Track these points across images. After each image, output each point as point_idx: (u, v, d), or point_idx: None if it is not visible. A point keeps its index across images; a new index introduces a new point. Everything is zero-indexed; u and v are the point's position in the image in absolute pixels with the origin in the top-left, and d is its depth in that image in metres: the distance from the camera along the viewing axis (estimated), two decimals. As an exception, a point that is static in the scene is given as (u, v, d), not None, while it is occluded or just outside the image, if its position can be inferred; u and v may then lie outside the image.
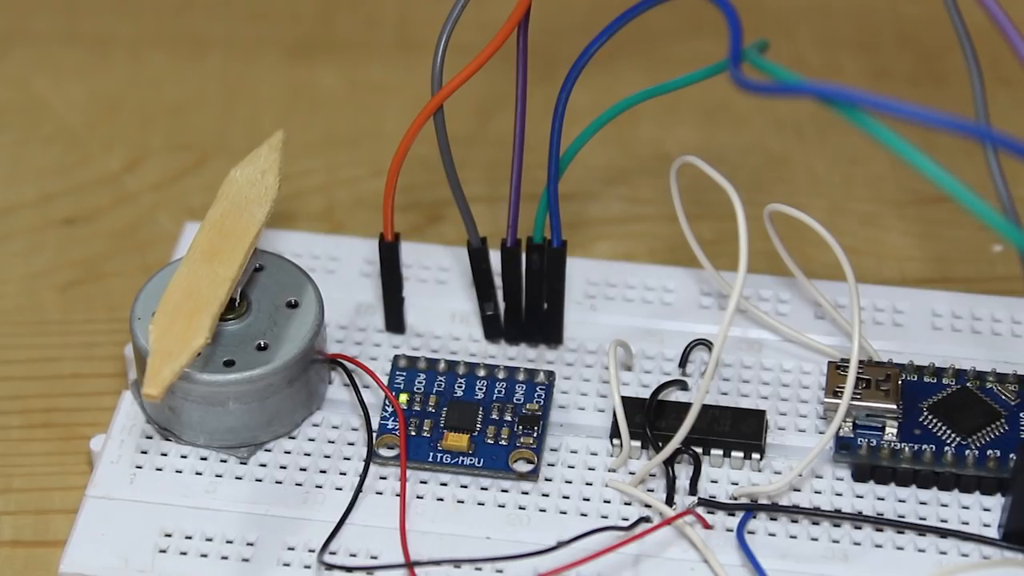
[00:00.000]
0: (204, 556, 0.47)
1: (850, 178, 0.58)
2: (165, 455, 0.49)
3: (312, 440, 0.50)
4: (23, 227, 0.57)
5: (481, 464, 0.49)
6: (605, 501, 0.48)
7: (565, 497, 0.48)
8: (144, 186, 0.56)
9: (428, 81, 0.47)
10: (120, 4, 0.63)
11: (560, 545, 0.46)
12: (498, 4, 0.47)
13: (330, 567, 0.46)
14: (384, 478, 0.49)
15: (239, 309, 0.49)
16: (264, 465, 0.49)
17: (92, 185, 0.58)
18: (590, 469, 0.49)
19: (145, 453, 0.49)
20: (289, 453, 0.49)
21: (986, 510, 0.48)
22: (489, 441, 0.49)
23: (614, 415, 0.49)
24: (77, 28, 0.62)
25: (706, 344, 0.51)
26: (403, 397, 0.50)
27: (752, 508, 0.48)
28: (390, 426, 0.49)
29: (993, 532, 0.47)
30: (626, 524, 0.47)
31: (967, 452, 0.48)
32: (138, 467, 0.49)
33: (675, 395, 0.50)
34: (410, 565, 0.46)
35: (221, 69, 0.60)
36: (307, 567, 0.47)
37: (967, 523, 0.48)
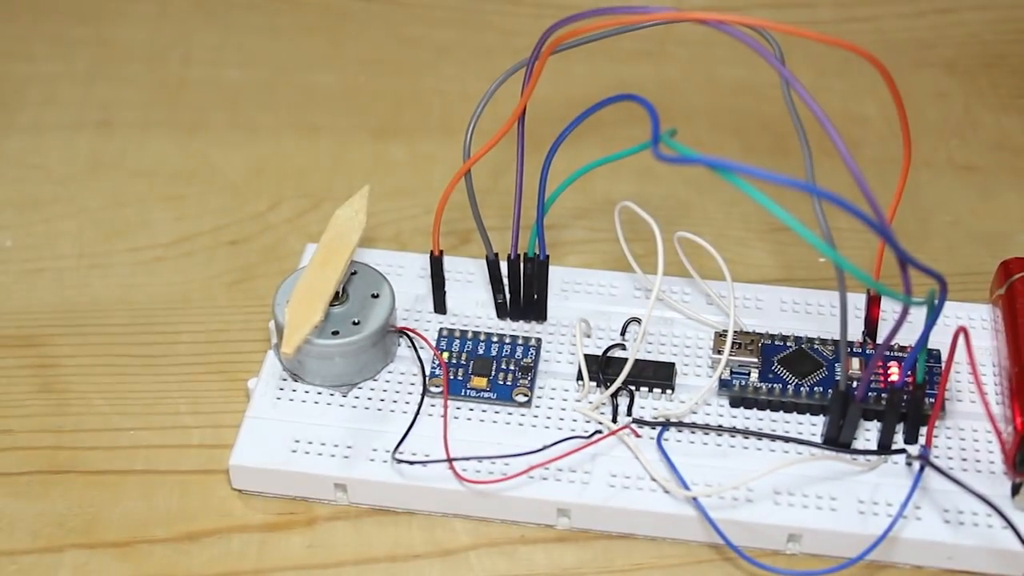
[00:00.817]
0: (320, 455, 0.48)
1: (730, 215, 0.58)
2: (295, 391, 0.49)
3: (388, 382, 0.50)
4: (204, 246, 0.57)
5: (495, 397, 0.49)
6: (573, 420, 0.49)
7: (548, 418, 0.49)
8: (281, 220, 0.56)
9: (461, 152, 0.48)
10: (266, 102, 0.63)
11: (545, 448, 0.47)
12: (506, 102, 0.47)
13: (400, 461, 0.47)
14: (433, 406, 0.49)
15: (341, 298, 0.49)
16: (357, 398, 0.49)
17: (247, 219, 0.58)
18: (564, 400, 0.49)
19: (282, 389, 0.50)
20: (373, 390, 0.50)
21: (813, 425, 0.49)
22: (500, 382, 0.49)
23: (579, 365, 0.49)
24: (239, 119, 0.62)
25: (637, 320, 0.51)
26: (445, 354, 0.50)
27: (666, 424, 0.48)
28: (437, 372, 0.50)
29: (817, 439, 0.48)
30: (587, 434, 0.48)
31: (802, 389, 0.49)
32: (278, 398, 0.49)
33: (617, 352, 0.50)
34: (450, 460, 0.47)
35: (330, 145, 0.59)
36: (385, 462, 0.47)
37: (801, 433, 0.48)
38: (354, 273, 0.50)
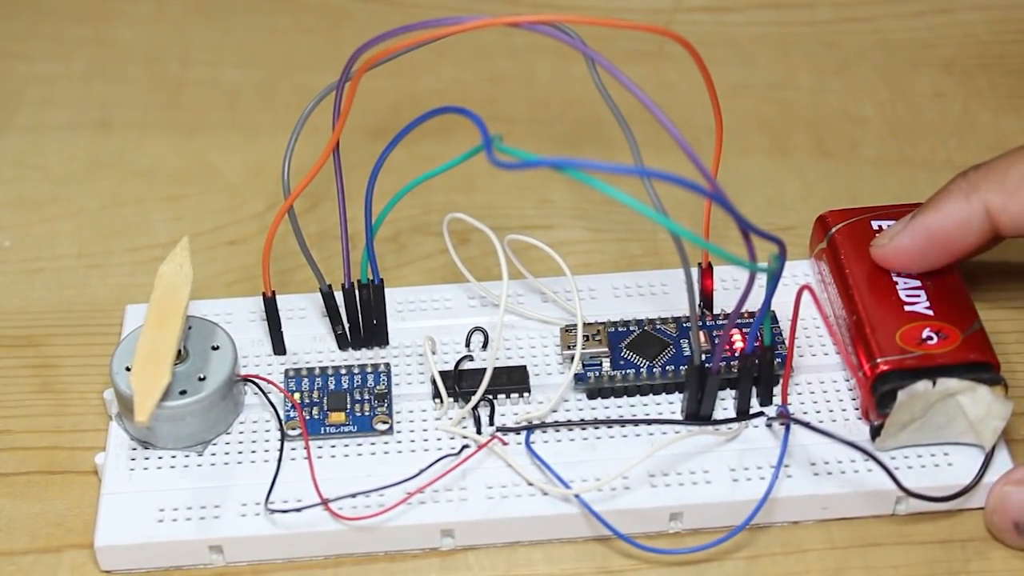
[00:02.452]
0: (188, 520, 0.48)
1: (550, 214, 0.60)
2: (147, 459, 0.49)
3: (242, 433, 0.50)
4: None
5: (355, 429, 0.50)
6: (438, 439, 0.50)
7: (412, 441, 0.50)
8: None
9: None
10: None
11: (420, 472, 0.48)
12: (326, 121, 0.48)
13: (273, 511, 0.47)
14: (294, 449, 0.49)
15: (183, 356, 0.49)
16: (214, 455, 0.49)
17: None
18: (424, 420, 0.50)
19: (134, 460, 0.49)
20: (229, 444, 0.50)
21: (671, 403, 0.51)
22: (358, 414, 0.50)
23: (433, 383, 0.51)
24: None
25: (480, 330, 0.53)
26: (297, 395, 0.50)
27: (531, 427, 0.50)
28: (292, 415, 0.50)
29: (678, 416, 0.50)
30: (455, 451, 0.49)
31: (654, 370, 0.51)
32: (131, 469, 0.49)
33: (466, 364, 0.52)
34: (325, 502, 0.47)
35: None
36: (258, 515, 0.48)
37: (662, 413, 0.50)
38: (190, 328, 0.50)
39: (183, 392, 0.49)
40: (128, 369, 0.49)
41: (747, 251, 0.44)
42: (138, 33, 0.69)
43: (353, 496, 0.48)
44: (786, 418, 0.49)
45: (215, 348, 0.50)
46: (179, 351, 0.49)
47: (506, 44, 0.66)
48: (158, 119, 0.65)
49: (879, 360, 0.48)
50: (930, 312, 0.49)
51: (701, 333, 0.51)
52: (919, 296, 0.50)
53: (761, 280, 0.46)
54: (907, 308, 0.50)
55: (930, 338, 0.49)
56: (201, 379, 0.49)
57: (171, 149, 0.63)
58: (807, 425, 0.48)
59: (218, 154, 0.63)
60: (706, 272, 0.53)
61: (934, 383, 0.48)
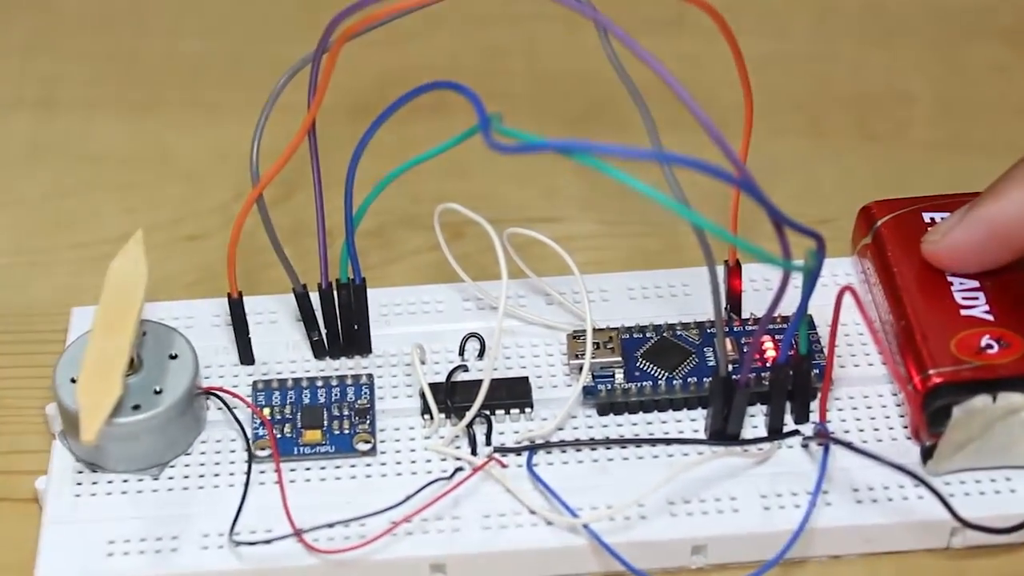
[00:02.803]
0: (142, 553, 0.45)
1: (556, 205, 0.57)
2: (95, 483, 0.47)
3: (203, 454, 0.48)
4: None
5: (333, 450, 0.47)
6: (427, 460, 0.47)
7: (398, 463, 0.47)
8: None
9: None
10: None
11: (407, 499, 0.45)
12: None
13: (239, 544, 0.45)
14: (263, 472, 0.47)
15: (136, 367, 0.47)
16: (172, 478, 0.47)
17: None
18: (411, 440, 0.48)
19: (80, 484, 0.47)
20: (189, 466, 0.47)
21: (693, 420, 0.48)
22: (336, 432, 0.48)
23: (422, 396, 0.48)
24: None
25: (476, 336, 0.50)
26: (266, 411, 0.48)
27: (533, 448, 0.47)
28: (261, 433, 0.47)
29: (702, 435, 0.48)
30: (447, 475, 0.46)
31: (674, 382, 0.48)
32: (76, 495, 0.46)
33: (460, 375, 0.49)
34: (298, 532, 0.45)
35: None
36: (220, 547, 0.45)
37: (682, 432, 0.48)
38: (145, 334, 0.48)
39: (136, 407, 0.46)
40: (74, 381, 0.46)
41: (780, 247, 0.42)
42: (86, -2, 0.68)
43: (330, 526, 0.45)
44: (825, 438, 0.46)
45: (173, 357, 0.48)
46: (132, 360, 0.47)
47: (506, 11, 0.65)
48: (108, 96, 0.63)
49: (931, 372, 0.46)
50: (990, 317, 0.47)
51: (728, 340, 0.49)
52: (977, 299, 0.48)
53: (796, 280, 0.44)
54: (963, 312, 0.47)
55: (990, 347, 0.47)
56: (157, 392, 0.47)
57: (123, 131, 0.61)
58: (849, 446, 0.46)
59: (176, 136, 0.61)
60: (733, 271, 0.50)
61: (994, 398, 0.45)
